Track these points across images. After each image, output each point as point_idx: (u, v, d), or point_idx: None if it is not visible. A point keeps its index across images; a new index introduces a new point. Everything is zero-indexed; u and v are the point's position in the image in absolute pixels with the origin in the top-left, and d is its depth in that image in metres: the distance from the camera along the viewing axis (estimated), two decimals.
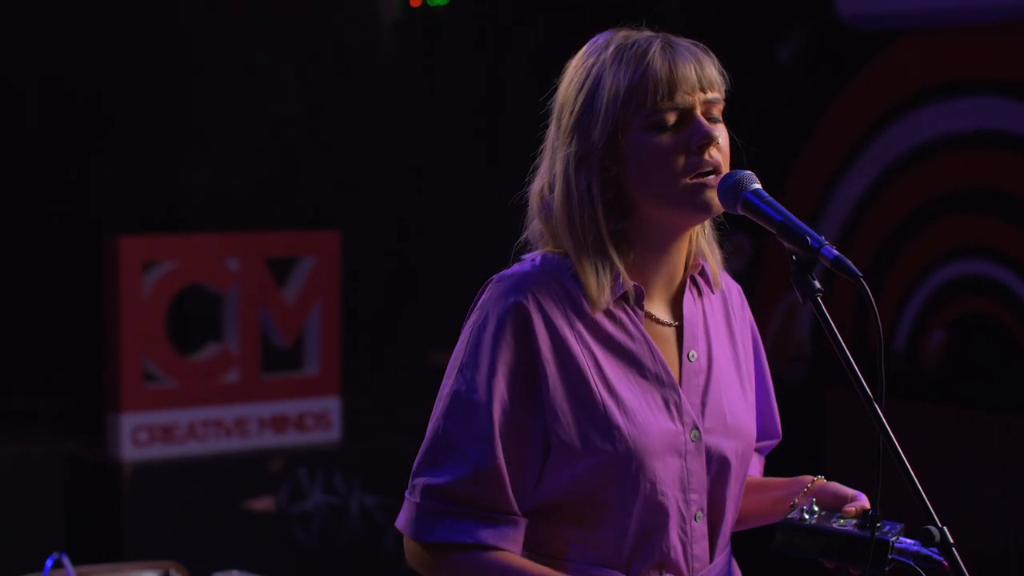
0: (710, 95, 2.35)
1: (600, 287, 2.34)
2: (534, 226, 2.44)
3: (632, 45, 2.35)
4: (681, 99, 2.33)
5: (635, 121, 2.33)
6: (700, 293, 2.48)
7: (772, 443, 2.66)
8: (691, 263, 2.46)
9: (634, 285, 2.38)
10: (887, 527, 2.26)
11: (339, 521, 6.35)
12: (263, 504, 6.20)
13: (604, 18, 2.64)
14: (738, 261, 6.69)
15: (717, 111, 2.37)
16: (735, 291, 2.57)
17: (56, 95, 6.40)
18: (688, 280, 2.46)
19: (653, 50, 2.33)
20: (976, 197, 6.27)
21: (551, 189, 2.39)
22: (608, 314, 2.37)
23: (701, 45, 2.39)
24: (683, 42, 2.38)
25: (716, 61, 2.38)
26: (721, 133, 2.36)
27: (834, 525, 2.27)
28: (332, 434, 6.49)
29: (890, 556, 2.21)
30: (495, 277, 2.40)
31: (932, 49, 6.38)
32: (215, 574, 3.59)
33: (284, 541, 6.23)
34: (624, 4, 3.19)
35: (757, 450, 2.64)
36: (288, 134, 7.00)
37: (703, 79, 2.34)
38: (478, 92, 7.36)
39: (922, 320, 6.45)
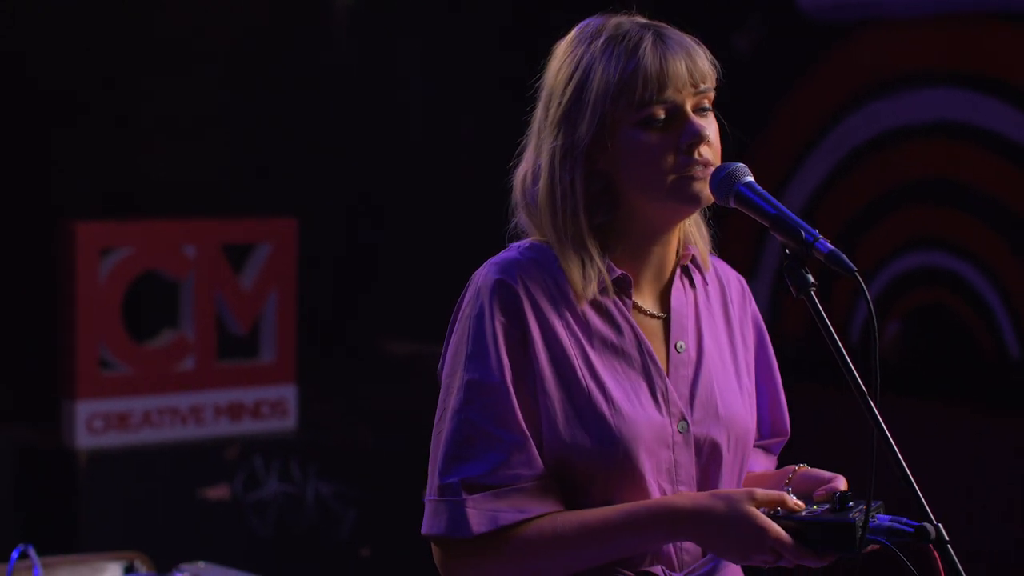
0: (702, 87, 2.33)
1: (585, 279, 2.33)
2: (520, 215, 2.42)
3: (623, 37, 2.32)
4: (671, 96, 2.30)
5: (624, 117, 2.30)
6: (692, 284, 2.45)
7: (781, 440, 2.60)
8: (681, 252, 2.43)
9: (622, 274, 2.36)
10: (857, 507, 2.20)
11: (295, 509, 6.33)
12: (218, 492, 6.18)
13: (569, 1, 2.62)
14: None
15: (708, 101, 2.35)
16: (735, 282, 2.54)
17: (13, 79, 6.35)
18: (679, 270, 2.43)
19: (644, 44, 2.30)
20: (934, 188, 6.29)
21: (535, 179, 2.37)
22: (595, 304, 2.35)
23: (693, 36, 2.36)
24: (675, 34, 2.35)
25: (707, 52, 2.35)
26: (711, 125, 2.34)
27: (804, 513, 2.21)
28: (288, 422, 6.47)
29: (858, 536, 2.15)
30: (483, 265, 2.37)
31: (891, 40, 6.40)
32: (182, 565, 3.55)
33: (240, 529, 6.20)
34: None
35: (767, 448, 2.59)
36: (244, 121, 6.96)
37: (695, 73, 2.32)
38: (435, 76, 7.33)
39: (878, 311, 6.47)
